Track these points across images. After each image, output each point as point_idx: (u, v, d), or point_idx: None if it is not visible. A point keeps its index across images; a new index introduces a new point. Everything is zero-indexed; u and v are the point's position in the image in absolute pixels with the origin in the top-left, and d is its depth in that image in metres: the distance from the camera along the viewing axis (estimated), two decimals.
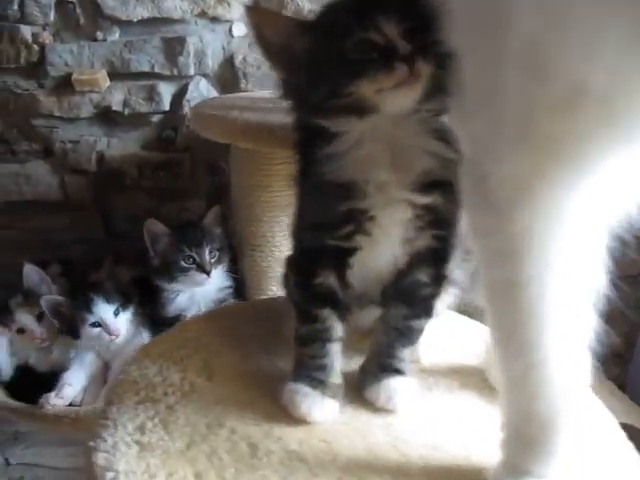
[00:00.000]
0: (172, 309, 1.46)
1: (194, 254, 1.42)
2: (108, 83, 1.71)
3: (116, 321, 1.40)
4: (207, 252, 1.43)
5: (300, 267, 0.72)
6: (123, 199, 1.82)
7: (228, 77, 1.73)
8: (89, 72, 1.70)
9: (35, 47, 1.68)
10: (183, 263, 1.42)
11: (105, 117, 1.75)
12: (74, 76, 1.69)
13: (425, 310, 0.72)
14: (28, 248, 1.80)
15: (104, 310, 1.39)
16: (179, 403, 0.71)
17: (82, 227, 1.83)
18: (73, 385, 1.38)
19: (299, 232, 0.72)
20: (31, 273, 1.53)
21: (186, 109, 1.72)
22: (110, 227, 1.85)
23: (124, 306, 1.43)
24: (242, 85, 1.72)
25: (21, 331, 1.48)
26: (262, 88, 1.71)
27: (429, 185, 0.64)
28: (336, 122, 0.63)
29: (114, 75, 1.71)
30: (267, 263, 1.47)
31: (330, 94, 0.61)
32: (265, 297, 1.26)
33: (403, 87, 0.59)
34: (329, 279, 0.68)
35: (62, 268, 1.69)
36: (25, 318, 1.48)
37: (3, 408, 1.33)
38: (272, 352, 0.82)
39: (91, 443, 0.65)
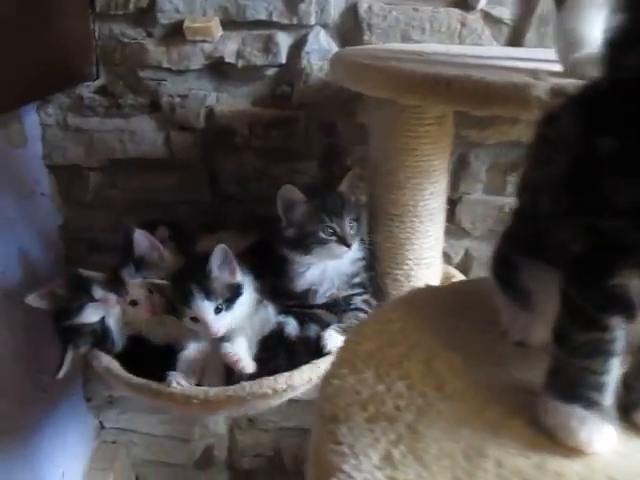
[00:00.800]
0: (301, 283, 1.34)
1: (334, 225, 1.28)
2: (221, 32, 1.57)
3: (216, 319, 1.25)
4: (347, 222, 1.30)
5: (590, 263, 0.56)
6: (231, 159, 1.69)
7: (349, 28, 1.57)
8: (201, 20, 1.56)
9: None
10: (322, 234, 1.28)
11: (216, 69, 1.61)
12: (185, 24, 1.55)
13: None
14: (132, 208, 1.71)
15: (203, 308, 1.24)
16: (419, 423, 0.59)
17: (187, 188, 1.71)
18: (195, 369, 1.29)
19: (588, 217, 0.55)
20: (141, 239, 1.43)
21: (304, 62, 1.58)
22: (216, 188, 1.73)
23: (228, 303, 1.27)
24: (365, 37, 1.56)
25: (134, 303, 1.39)
26: (387, 41, 1.56)
27: None
28: None
29: (228, 23, 1.56)
30: (405, 235, 1.33)
31: None
32: (469, 279, 1.11)
33: None
34: (632, 281, 0.54)
35: (169, 231, 1.59)
36: (137, 291, 1.38)
37: (127, 385, 1.24)
38: (497, 354, 0.69)
39: None
